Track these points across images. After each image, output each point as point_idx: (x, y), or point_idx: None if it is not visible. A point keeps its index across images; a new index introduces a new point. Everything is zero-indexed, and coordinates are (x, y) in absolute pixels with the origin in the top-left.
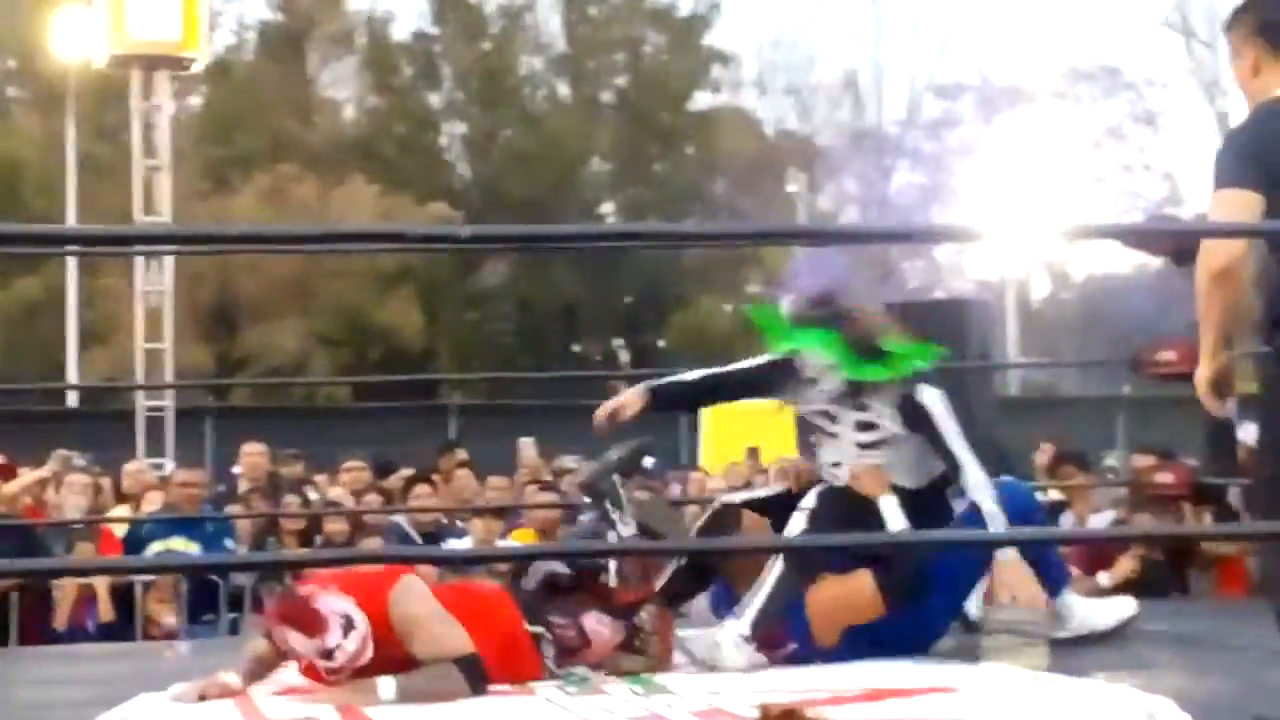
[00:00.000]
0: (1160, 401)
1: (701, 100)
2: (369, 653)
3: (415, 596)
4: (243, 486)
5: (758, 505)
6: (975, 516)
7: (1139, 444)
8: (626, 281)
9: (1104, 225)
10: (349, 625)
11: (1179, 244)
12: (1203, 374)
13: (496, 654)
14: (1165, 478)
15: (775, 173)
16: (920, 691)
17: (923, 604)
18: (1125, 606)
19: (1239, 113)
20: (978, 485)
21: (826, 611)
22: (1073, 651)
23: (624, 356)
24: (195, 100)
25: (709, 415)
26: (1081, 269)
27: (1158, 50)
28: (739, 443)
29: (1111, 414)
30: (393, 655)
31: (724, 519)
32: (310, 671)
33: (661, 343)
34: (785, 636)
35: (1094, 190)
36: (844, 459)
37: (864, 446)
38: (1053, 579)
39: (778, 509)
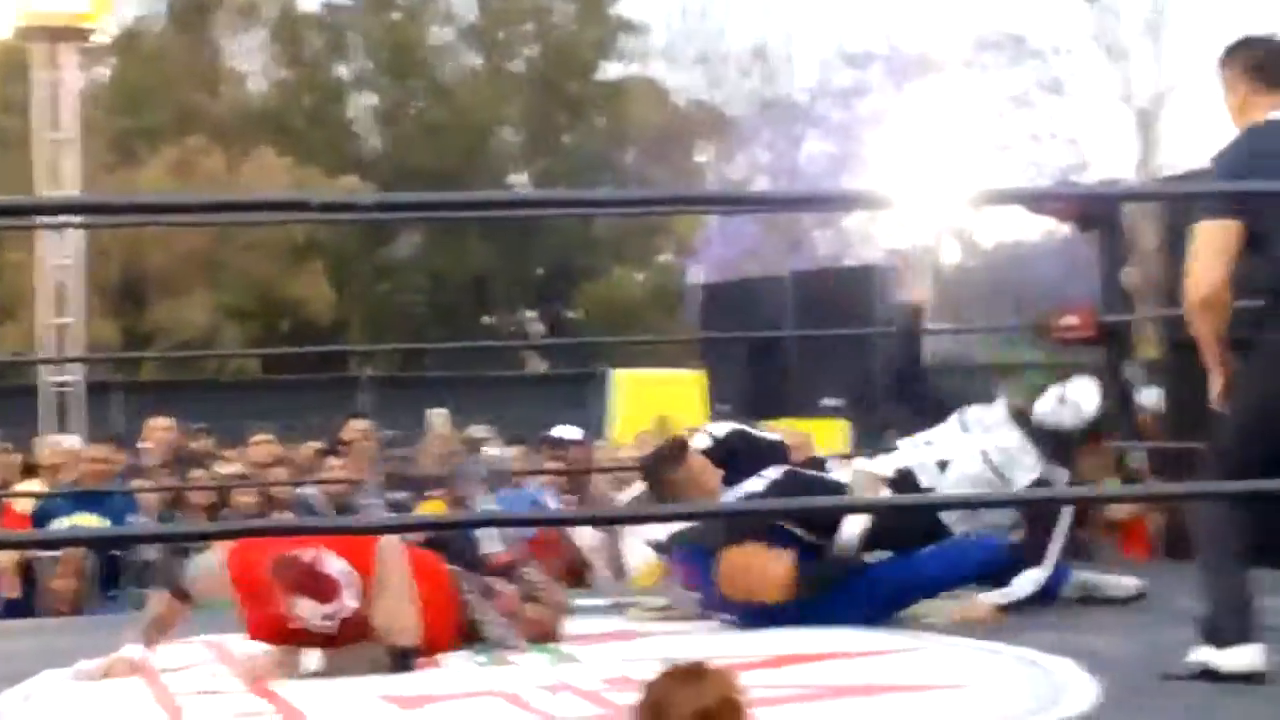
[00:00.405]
0: (1067, 368)
1: (611, 70)
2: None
3: (395, 560)
4: (149, 462)
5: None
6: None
7: None
8: (537, 253)
9: (1009, 190)
10: (350, 584)
11: (1084, 210)
12: (1214, 384)
13: (433, 616)
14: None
15: (685, 143)
16: (824, 657)
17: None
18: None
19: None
20: None
21: (734, 573)
22: None
23: (536, 328)
24: (102, 72)
25: (620, 385)
26: (990, 237)
27: (1063, 18)
28: (649, 412)
29: (1019, 379)
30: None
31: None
32: (276, 633)
33: (573, 313)
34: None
35: (1001, 158)
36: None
37: None
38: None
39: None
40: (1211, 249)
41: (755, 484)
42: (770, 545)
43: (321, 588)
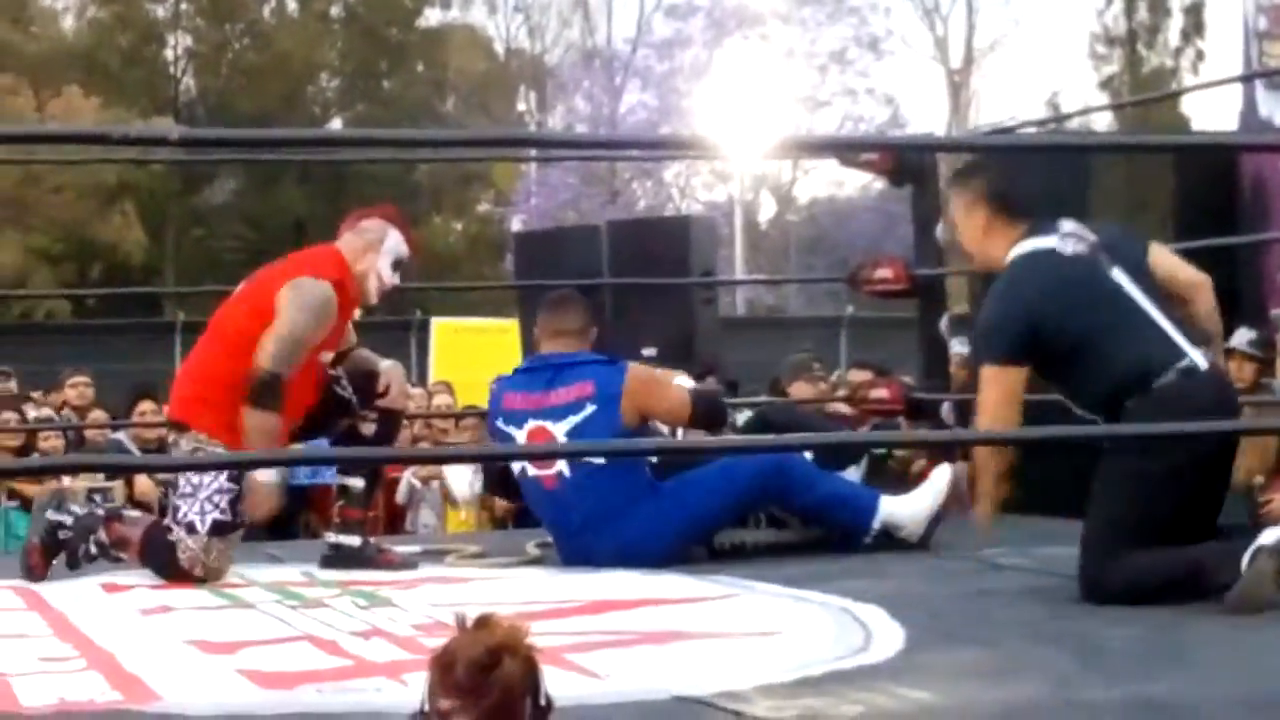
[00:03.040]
0: (881, 321)
1: (432, 17)
2: None
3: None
4: None
5: None
6: None
7: (859, 361)
8: (356, 199)
9: (823, 137)
10: None
11: (898, 164)
12: (981, 518)
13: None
14: (880, 393)
15: (506, 92)
16: (640, 604)
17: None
18: (939, 479)
19: (957, 40)
20: None
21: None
22: (782, 562)
23: None
24: None
25: (438, 333)
26: (807, 191)
27: None
28: (467, 361)
29: (834, 334)
30: None
31: None
32: None
33: None
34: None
35: (818, 113)
36: None
37: None
38: (859, 513)
39: None
40: (1003, 395)
41: None
42: None
43: None
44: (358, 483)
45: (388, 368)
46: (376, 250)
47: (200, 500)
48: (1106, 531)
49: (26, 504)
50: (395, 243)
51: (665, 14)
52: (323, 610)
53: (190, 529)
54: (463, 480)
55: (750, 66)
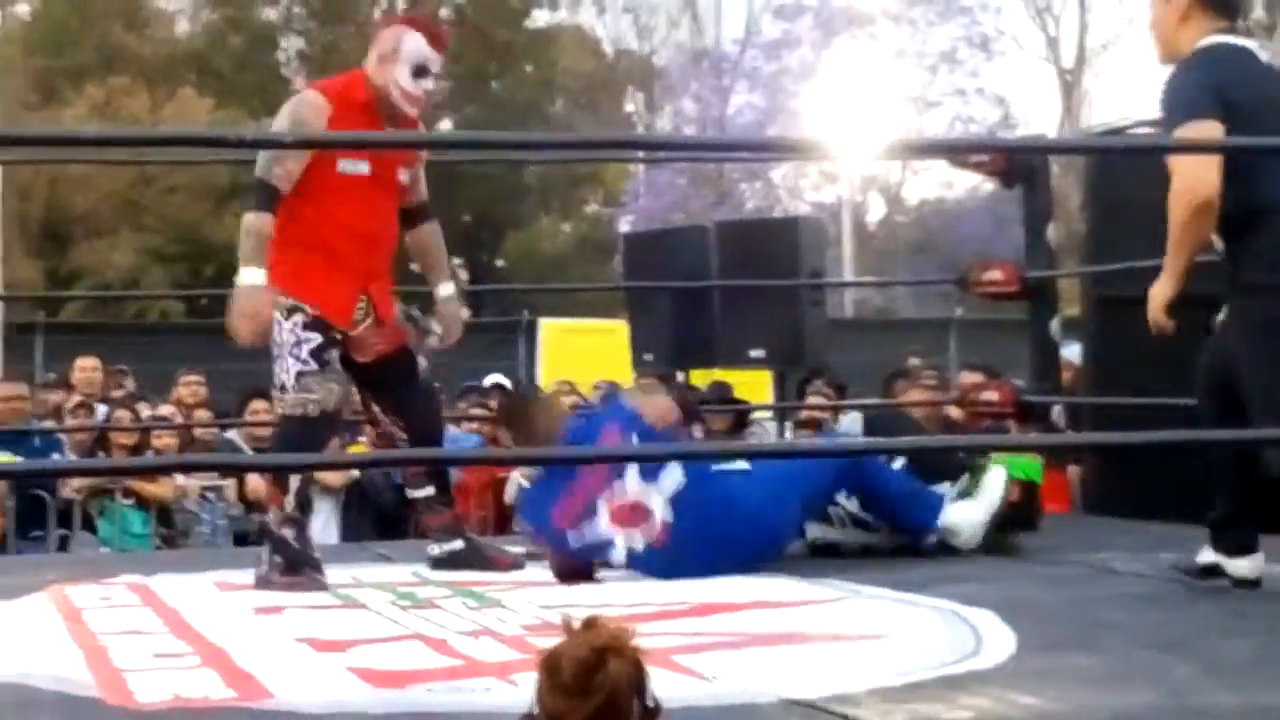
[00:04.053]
0: (991, 323)
1: (540, 18)
2: None
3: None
4: (73, 401)
5: None
6: None
7: (968, 363)
8: (464, 201)
9: (935, 140)
10: None
11: (1009, 165)
12: (1163, 292)
13: None
14: (990, 395)
15: (613, 92)
16: (748, 606)
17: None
18: (994, 486)
19: (1069, 39)
20: None
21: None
22: (893, 566)
23: (462, 275)
24: (23, 9)
25: (546, 334)
26: (916, 192)
27: None
28: (575, 362)
29: (944, 335)
30: None
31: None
32: None
33: (500, 262)
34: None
35: (928, 114)
36: None
37: None
38: (917, 509)
39: None
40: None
41: None
42: None
43: None
44: (423, 492)
45: (446, 298)
46: (392, 60)
47: (284, 356)
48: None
49: (142, 502)
50: (414, 47)
51: (774, 15)
52: (433, 610)
53: (282, 389)
54: None
55: (859, 67)
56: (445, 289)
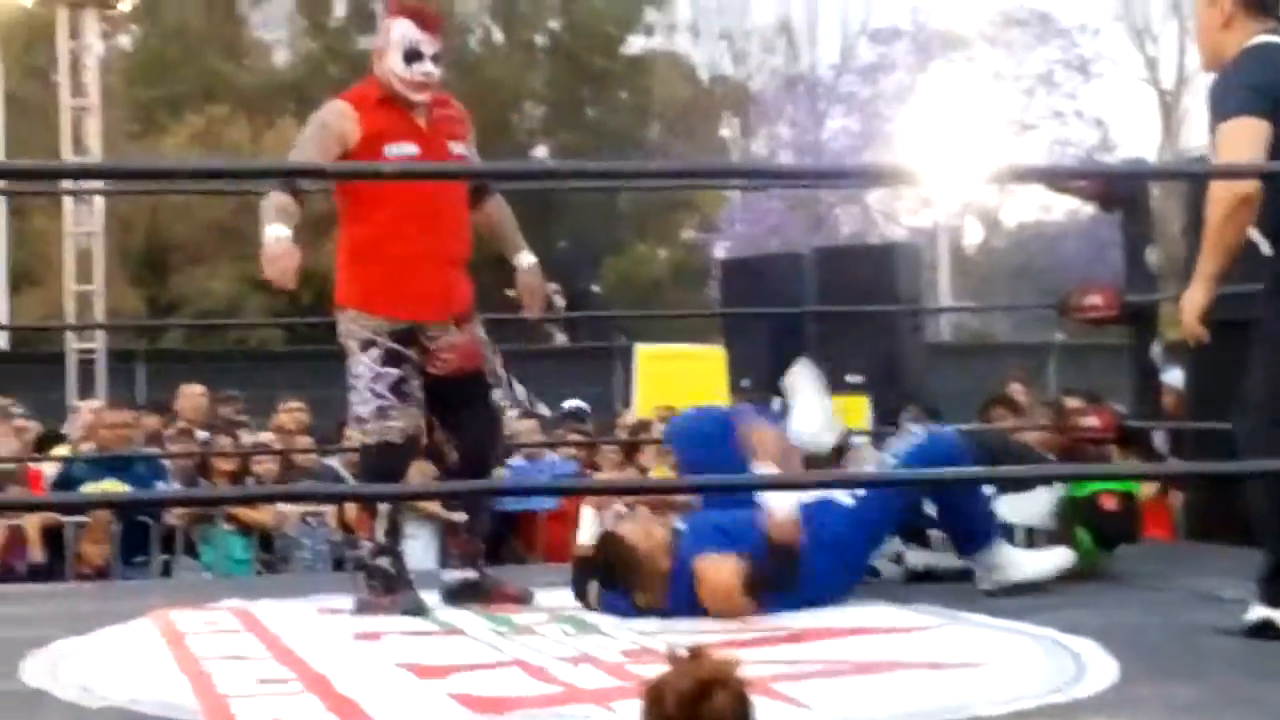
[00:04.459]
0: (1091, 348)
1: (635, 44)
2: None
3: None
4: (176, 427)
5: None
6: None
7: (1068, 389)
8: (560, 226)
9: (1032, 167)
10: None
11: (1108, 189)
12: (1196, 298)
13: None
14: (1091, 421)
15: (709, 118)
16: (847, 633)
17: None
18: (1061, 556)
19: (1169, 60)
20: None
21: (703, 583)
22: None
23: (558, 301)
24: (125, 40)
25: (641, 359)
26: (1014, 216)
27: None
28: (671, 387)
29: (1043, 360)
30: None
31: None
32: None
33: (596, 288)
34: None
35: (1026, 137)
36: None
37: None
38: (981, 530)
39: None
40: (1247, 143)
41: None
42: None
43: None
44: (459, 517)
45: (528, 267)
46: (385, 51)
47: (362, 390)
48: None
49: (244, 528)
50: (401, 32)
51: (869, 39)
52: (531, 636)
53: (359, 420)
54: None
55: (955, 90)
56: (524, 259)
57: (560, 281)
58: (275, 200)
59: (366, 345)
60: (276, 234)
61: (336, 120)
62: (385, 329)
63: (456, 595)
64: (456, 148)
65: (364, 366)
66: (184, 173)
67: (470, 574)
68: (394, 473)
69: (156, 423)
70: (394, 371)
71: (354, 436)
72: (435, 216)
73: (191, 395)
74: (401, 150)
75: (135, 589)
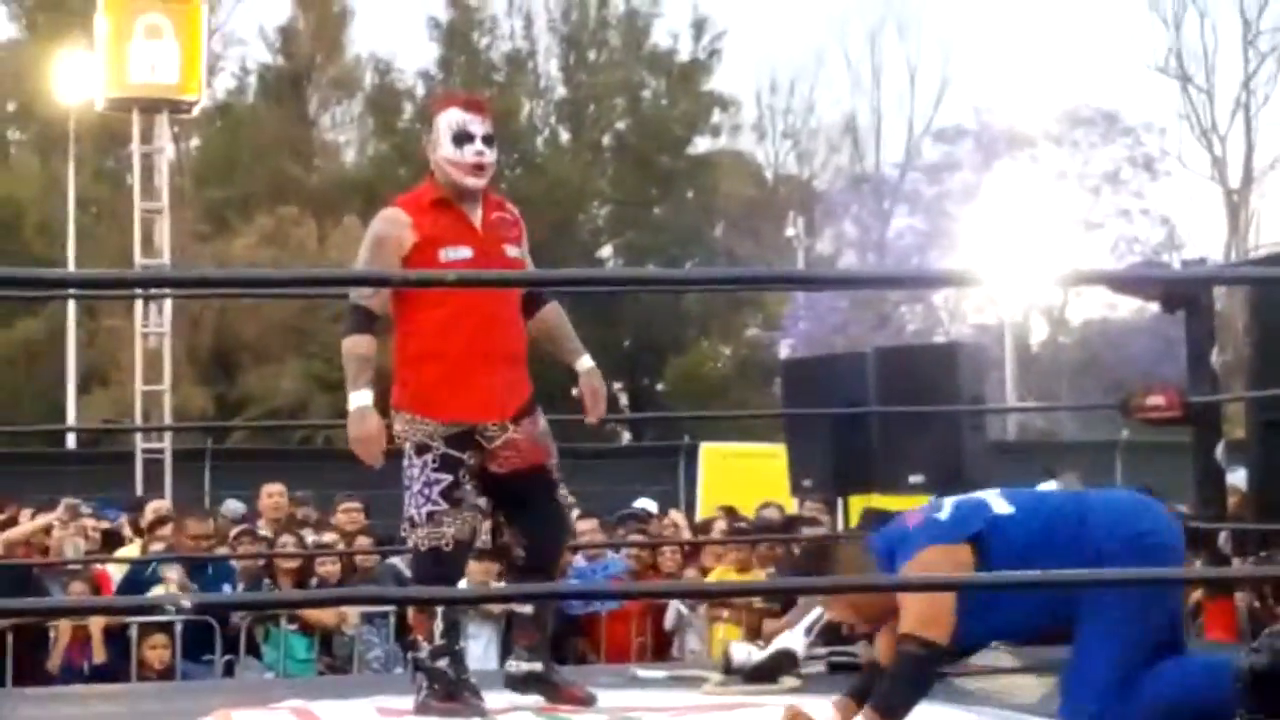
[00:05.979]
0: (1157, 445)
1: (701, 144)
2: None
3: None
4: (266, 527)
5: None
6: None
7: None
8: (625, 325)
9: (1094, 271)
10: None
11: (1171, 289)
12: None
13: None
14: None
15: (774, 216)
16: None
17: None
18: None
19: (1235, 159)
20: None
21: None
22: (1037, 687)
23: (623, 400)
24: (196, 142)
25: (706, 458)
26: (1079, 313)
27: (1154, 95)
28: (735, 486)
29: (1109, 458)
30: None
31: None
32: None
33: (660, 386)
34: None
35: (1092, 235)
36: None
37: None
38: None
39: None
40: None
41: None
42: None
43: None
44: (525, 609)
45: (587, 370)
46: (435, 143)
47: (415, 494)
48: None
49: (306, 627)
50: (448, 121)
51: (934, 138)
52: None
53: (412, 523)
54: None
55: (1020, 189)
56: (582, 363)
57: (625, 380)
58: (355, 348)
59: (422, 449)
60: (361, 406)
61: (392, 229)
62: (441, 433)
63: (521, 685)
64: (511, 250)
65: (418, 470)
66: (248, 281)
67: (537, 666)
68: (446, 577)
69: (225, 524)
70: (447, 477)
71: (408, 539)
72: (490, 317)
73: (272, 495)
74: (457, 254)
75: (197, 689)
